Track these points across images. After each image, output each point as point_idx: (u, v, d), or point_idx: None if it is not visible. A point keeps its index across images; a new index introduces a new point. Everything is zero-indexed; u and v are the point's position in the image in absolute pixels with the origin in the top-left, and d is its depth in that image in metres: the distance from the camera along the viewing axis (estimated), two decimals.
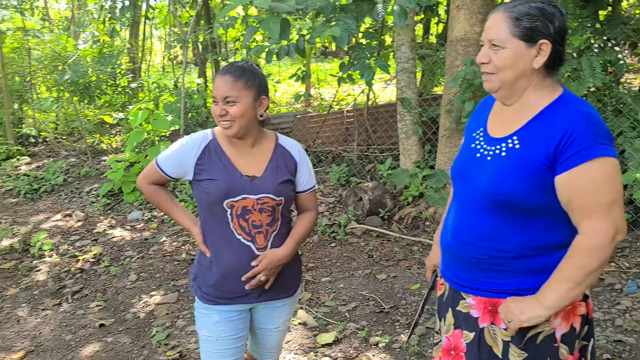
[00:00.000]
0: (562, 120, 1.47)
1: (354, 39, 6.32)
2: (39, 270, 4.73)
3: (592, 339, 1.65)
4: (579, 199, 1.44)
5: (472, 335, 1.64)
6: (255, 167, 2.00)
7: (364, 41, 5.21)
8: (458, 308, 1.69)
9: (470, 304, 1.64)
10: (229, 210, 1.96)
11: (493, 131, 1.63)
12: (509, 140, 1.55)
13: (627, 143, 4.33)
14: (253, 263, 1.96)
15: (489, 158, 1.58)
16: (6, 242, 5.30)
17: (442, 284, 1.82)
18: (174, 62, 9.92)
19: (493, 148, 1.58)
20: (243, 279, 1.96)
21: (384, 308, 3.65)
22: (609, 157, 1.43)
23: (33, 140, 9.26)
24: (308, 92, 7.53)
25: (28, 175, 7.49)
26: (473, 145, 1.66)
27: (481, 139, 1.65)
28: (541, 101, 1.54)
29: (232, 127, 1.90)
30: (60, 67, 7.46)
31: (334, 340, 3.26)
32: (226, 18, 5.91)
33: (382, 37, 5.77)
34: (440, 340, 1.80)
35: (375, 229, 4.96)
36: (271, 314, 2.16)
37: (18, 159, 8.19)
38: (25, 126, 9.86)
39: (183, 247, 5.02)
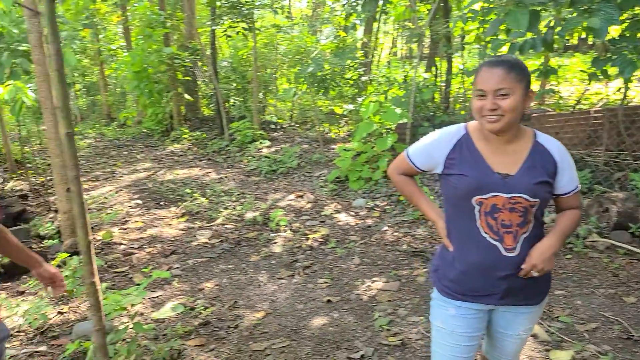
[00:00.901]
0: None
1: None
2: (276, 242, 5.25)
3: None
4: None
5: None
6: (510, 166, 1.88)
7: (627, 33, 4.58)
8: None
9: None
10: (477, 207, 1.89)
11: None
12: None
13: None
14: (521, 274, 1.89)
15: None
16: (250, 215, 6.02)
17: None
18: (403, 56, 10.08)
19: None
20: (521, 275, 1.88)
21: (633, 335, 3.19)
22: None
23: (273, 126, 10.35)
24: (550, 89, 6.95)
25: (268, 158, 8.41)
26: None
27: None
28: None
29: (499, 121, 1.80)
30: (303, 61, 8.16)
31: None
32: (466, 11, 5.76)
33: None
34: None
35: (622, 245, 4.36)
36: (513, 319, 2.03)
37: (261, 142, 9.25)
38: (267, 113, 11.08)
39: (404, 239, 5.09)
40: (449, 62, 7.12)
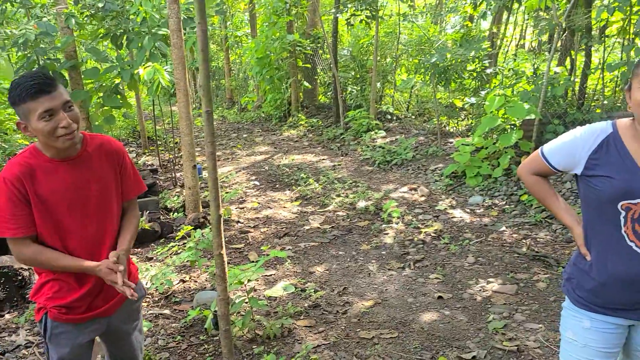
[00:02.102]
0: None
1: None
2: (387, 234, 5.22)
3: None
4: None
5: None
6: None
7: None
8: None
9: None
10: (623, 213, 1.71)
11: None
12: None
13: None
14: None
15: None
16: (362, 204, 6.03)
17: None
18: (532, 49, 9.48)
19: None
20: None
21: None
22: None
23: (389, 117, 10.26)
24: None
25: (383, 148, 8.36)
26: None
27: None
28: None
29: None
30: (425, 51, 7.97)
31: None
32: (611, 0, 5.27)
33: None
34: None
35: None
36: None
37: (376, 132, 9.21)
38: (384, 103, 11.00)
39: (524, 241, 4.81)
40: (588, 55, 6.56)
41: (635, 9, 5.75)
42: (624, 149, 1.76)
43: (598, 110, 6.67)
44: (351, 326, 3.48)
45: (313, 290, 4.01)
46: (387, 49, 10.35)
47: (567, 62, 7.31)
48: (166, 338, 3.42)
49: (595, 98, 7.57)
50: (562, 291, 1.96)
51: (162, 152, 9.38)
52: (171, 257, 4.64)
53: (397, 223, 5.45)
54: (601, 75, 6.80)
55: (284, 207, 6.22)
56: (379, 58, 10.07)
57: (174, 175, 7.53)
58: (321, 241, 5.09)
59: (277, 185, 7.18)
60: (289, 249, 4.91)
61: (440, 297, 3.86)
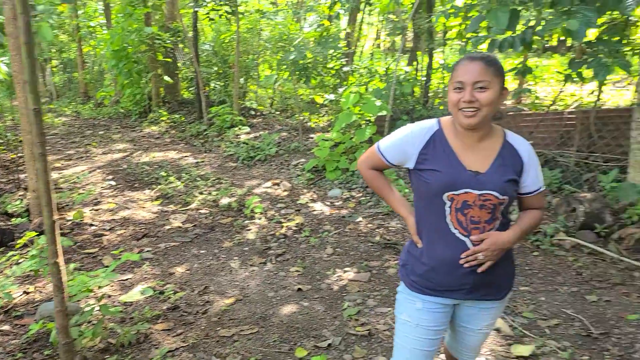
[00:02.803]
0: None
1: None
2: (250, 229, 5.25)
3: None
4: None
5: None
6: (480, 163, 1.90)
7: (605, 36, 4.66)
8: None
9: None
10: (448, 203, 1.90)
11: None
12: None
13: None
14: (473, 238, 1.88)
15: None
16: (225, 201, 5.99)
17: None
18: (384, 49, 10.08)
19: None
20: (462, 255, 1.90)
21: (592, 332, 3.28)
22: None
23: (253, 112, 10.29)
24: (527, 88, 7.04)
25: (246, 144, 8.37)
26: None
27: None
28: None
29: (476, 115, 1.81)
30: (285, 48, 8.10)
31: (530, 355, 3.03)
32: (448, 7, 5.79)
33: (625, 33, 5.10)
34: None
35: (588, 244, 4.47)
36: (476, 314, 2.06)
37: (240, 128, 9.18)
38: (248, 99, 11.00)
39: (377, 230, 5.13)
40: (430, 56, 7.16)
41: (470, 14, 6.37)
42: (447, 145, 1.95)
43: (441, 107, 7.30)
44: (211, 325, 3.46)
45: (172, 291, 3.91)
46: (249, 45, 10.34)
47: (415, 62, 7.90)
48: (5, 357, 3.12)
49: (439, 96, 8.26)
50: (399, 276, 2.12)
51: (4, 151, 8.48)
52: (11, 267, 4.23)
53: (259, 218, 5.50)
54: (443, 75, 7.45)
55: (143, 207, 5.97)
56: (241, 54, 10.03)
57: (17, 177, 6.85)
58: (182, 241, 4.98)
59: (136, 185, 6.86)
60: (148, 251, 4.73)
61: (299, 289, 3.98)
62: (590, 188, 5.30)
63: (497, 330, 3.32)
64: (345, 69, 8.52)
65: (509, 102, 8.93)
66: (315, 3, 9.41)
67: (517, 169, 1.92)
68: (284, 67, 8.41)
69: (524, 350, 3.06)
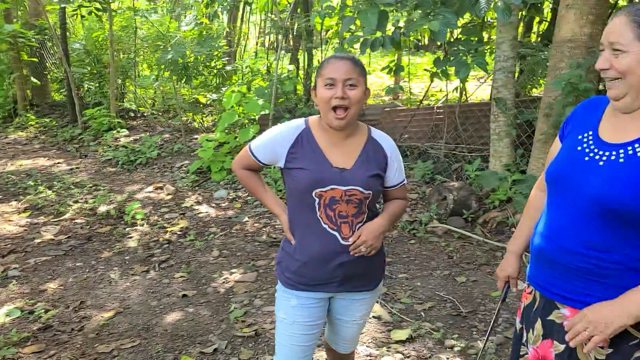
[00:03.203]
0: None
1: (448, 34, 6.15)
2: (131, 237, 5.03)
3: None
4: None
5: (562, 347, 1.56)
6: (346, 159, 1.98)
7: (462, 37, 5.05)
8: (550, 318, 1.61)
9: (566, 315, 1.56)
10: (317, 200, 1.96)
11: (607, 136, 1.53)
12: (629, 148, 1.45)
13: None
14: (351, 239, 1.96)
15: (600, 163, 1.49)
16: (103, 208, 5.68)
17: (529, 293, 1.74)
18: (267, 47, 10.10)
19: (607, 153, 1.49)
20: (351, 248, 1.96)
21: (462, 312, 3.56)
22: None
23: (132, 114, 9.83)
24: (399, 85, 7.43)
25: (126, 147, 7.98)
26: (579, 148, 1.57)
27: (591, 142, 1.55)
28: None
29: (346, 117, 1.88)
30: (163, 47, 7.84)
31: (407, 338, 3.22)
32: (324, 7, 5.94)
33: (482, 34, 5.57)
34: (527, 353, 1.73)
35: (457, 230, 4.83)
36: (349, 306, 2.15)
37: (118, 131, 8.73)
38: (127, 100, 10.49)
39: (264, 229, 5.15)
40: (310, 55, 7.30)
41: (344, 13, 6.58)
42: (314, 143, 2.00)
43: None
44: (88, 342, 3.27)
45: (43, 310, 3.64)
46: (124, 43, 9.85)
47: (296, 61, 8.01)
48: None
49: None
50: (275, 274, 2.15)
51: None
52: None
53: (141, 225, 5.29)
54: None
55: (9, 220, 5.48)
56: (116, 53, 9.54)
57: None
58: (55, 254, 4.65)
59: (0, 197, 6.28)
60: (15, 268, 4.36)
61: (184, 295, 3.89)
62: (458, 177, 5.73)
63: (378, 317, 3.48)
64: (227, 67, 8.42)
65: (386, 98, 9.38)
66: (193, 1, 9.19)
67: (382, 163, 2.03)
68: (164, 66, 8.13)
69: (402, 334, 3.24)
